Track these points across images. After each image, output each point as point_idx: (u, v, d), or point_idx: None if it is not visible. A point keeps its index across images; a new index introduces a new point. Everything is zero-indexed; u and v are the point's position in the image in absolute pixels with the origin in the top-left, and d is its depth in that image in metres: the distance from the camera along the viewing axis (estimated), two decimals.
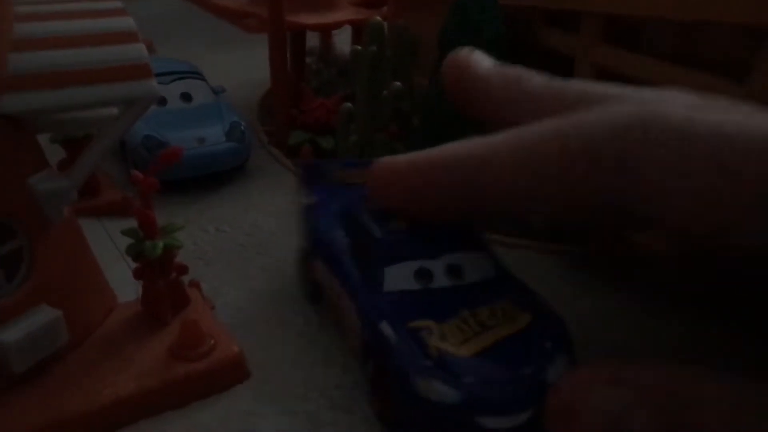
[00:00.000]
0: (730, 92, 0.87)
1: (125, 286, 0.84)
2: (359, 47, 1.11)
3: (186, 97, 1.27)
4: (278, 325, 0.84)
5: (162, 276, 0.76)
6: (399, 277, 0.68)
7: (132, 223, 0.76)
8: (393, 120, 1.23)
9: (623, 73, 1.01)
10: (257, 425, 0.70)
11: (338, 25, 1.46)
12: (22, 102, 0.64)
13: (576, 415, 0.56)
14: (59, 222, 0.71)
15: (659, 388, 0.54)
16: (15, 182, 0.67)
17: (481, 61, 0.75)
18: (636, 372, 0.56)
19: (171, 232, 0.76)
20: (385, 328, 0.63)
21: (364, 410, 0.71)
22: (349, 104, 1.15)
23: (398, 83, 1.11)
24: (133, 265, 0.77)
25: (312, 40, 1.67)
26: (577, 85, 0.68)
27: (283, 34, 1.34)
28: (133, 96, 0.72)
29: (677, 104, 0.57)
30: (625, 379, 0.56)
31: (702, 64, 0.92)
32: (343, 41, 1.73)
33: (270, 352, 0.80)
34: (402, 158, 0.72)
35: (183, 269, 0.79)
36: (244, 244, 1.02)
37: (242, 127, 1.22)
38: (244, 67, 1.73)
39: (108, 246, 0.96)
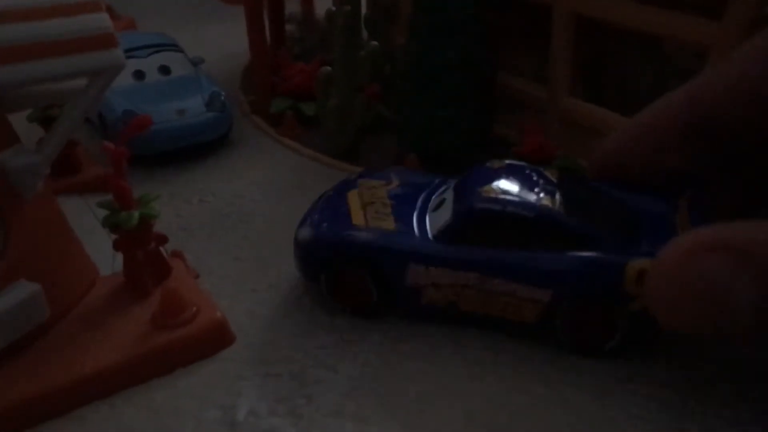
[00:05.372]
0: (706, 31, 0.86)
1: (108, 260, 0.84)
2: (333, 8, 1.10)
3: (164, 69, 1.26)
4: (262, 291, 0.84)
5: (141, 246, 0.76)
6: None
7: None
8: (374, 81, 1.22)
9: (601, 18, 0.99)
10: (243, 388, 0.70)
11: None
12: None
13: (678, 283, 0.55)
14: (33, 198, 0.71)
15: (763, 252, 0.53)
16: None
17: None
18: (740, 237, 0.54)
19: (147, 203, 0.75)
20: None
21: (348, 368, 0.72)
22: (327, 68, 1.14)
23: (375, 43, 1.10)
24: None
25: (293, 6, 1.65)
26: None
27: (259, 1, 1.32)
28: (99, 66, 0.71)
29: None
30: (728, 244, 0.54)
31: (680, 5, 0.90)
32: (324, 6, 1.71)
33: (255, 317, 0.80)
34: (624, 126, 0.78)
35: (162, 239, 0.78)
36: (228, 214, 1.02)
37: (222, 97, 1.21)
38: (225, 38, 1.71)
39: (91, 221, 0.96)
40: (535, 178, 0.76)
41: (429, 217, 0.77)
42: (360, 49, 1.10)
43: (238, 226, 0.98)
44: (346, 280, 0.78)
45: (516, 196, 0.72)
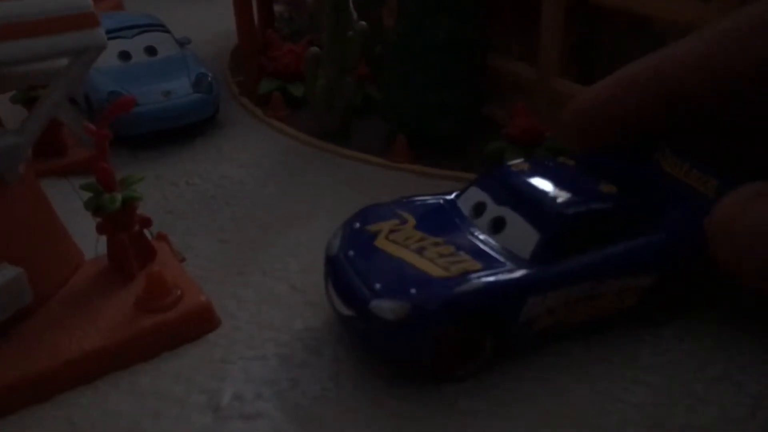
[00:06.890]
0: (696, 11, 0.85)
1: (92, 243, 0.83)
2: None
3: (150, 50, 1.25)
4: (249, 274, 0.84)
5: (124, 229, 0.75)
6: None
7: None
8: (363, 62, 1.21)
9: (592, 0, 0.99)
10: (228, 372, 0.70)
11: None
12: None
13: (734, 229, 0.55)
14: (15, 180, 0.70)
15: None
16: None
17: None
18: None
19: (130, 185, 0.75)
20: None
21: (333, 351, 0.71)
22: (316, 48, 1.12)
23: (364, 23, 1.09)
24: None
25: None
26: None
27: None
28: (81, 46, 0.69)
29: None
30: None
31: None
32: None
33: (241, 300, 0.79)
34: (590, 89, 0.77)
35: (146, 222, 0.78)
36: (215, 196, 1.01)
37: (209, 79, 1.19)
38: (212, 18, 1.70)
39: (76, 205, 0.94)
40: (568, 170, 0.75)
41: (496, 241, 0.70)
42: (349, 29, 1.08)
43: (224, 209, 0.98)
44: (450, 345, 0.66)
45: (583, 192, 0.71)
